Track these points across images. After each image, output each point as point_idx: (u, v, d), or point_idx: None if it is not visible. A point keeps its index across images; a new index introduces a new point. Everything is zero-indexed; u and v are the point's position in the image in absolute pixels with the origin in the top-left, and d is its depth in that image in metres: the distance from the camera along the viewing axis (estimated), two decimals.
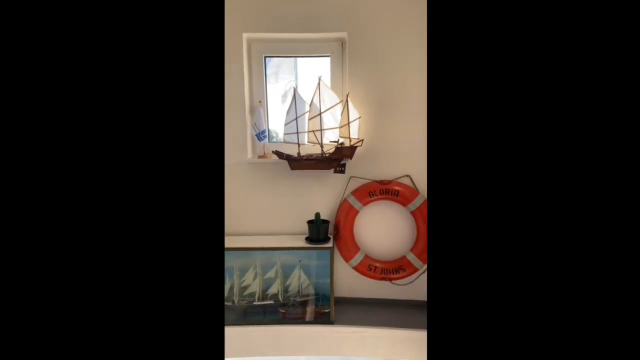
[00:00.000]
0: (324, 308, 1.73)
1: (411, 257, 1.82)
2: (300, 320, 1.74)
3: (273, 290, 1.75)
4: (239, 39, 1.77)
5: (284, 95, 1.95)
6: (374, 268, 1.82)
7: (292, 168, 1.75)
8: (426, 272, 1.85)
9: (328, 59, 1.86)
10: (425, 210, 1.76)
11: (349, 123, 1.68)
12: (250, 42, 1.84)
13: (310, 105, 1.70)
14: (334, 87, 1.84)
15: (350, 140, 1.71)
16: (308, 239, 1.80)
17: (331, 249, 1.73)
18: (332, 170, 1.80)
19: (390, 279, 1.84)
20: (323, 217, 1.85)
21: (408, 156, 1.80)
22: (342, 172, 1.82)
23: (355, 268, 1.83)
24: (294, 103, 1.70)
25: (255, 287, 1.75)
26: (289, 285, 1.74)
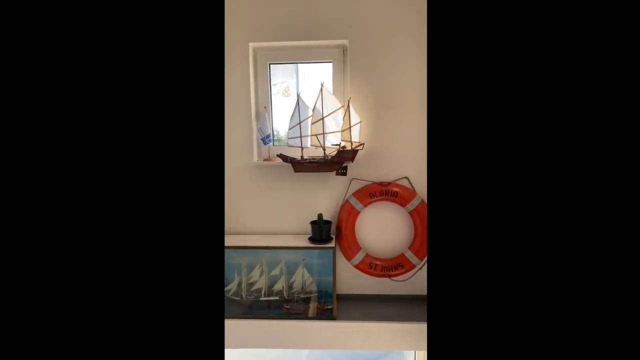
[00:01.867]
0: (327, 304, 1.82)
1: (409, 255, 1.90)
2: (303, 315, 1.83)
3: (278, 287, 1.83)
4: (245, 48, 1.86)
5: (282, 95, 2.04)
6: (374, 266, 1.90)
7: (296, 170, 1.84)
8: (423, 268, 1.93)
9: (330, 65, 1.94)
10: (422, 210, 1.85)
11: (350, 127, 1.77)
12: (255, 50, 1.93)
13: (313, 110, 1.79)
14: (335, 92, 1.92)
15: (351, 144, 1.80)
16: (311, 239, 1.88)
17: (333, 248, 1.81)
18: (334, 172, 1.88)
19: (389, 276, 1.92)
20: (325, 217, 1.93)
21: (406, 159, 1.88)
22: (344, 174, 1.90)
23: (357, 266, 1.91)
24: (297, 108, 1.79)
25: (261, 284, 1.84)
26: (293, 283, 1.83)
